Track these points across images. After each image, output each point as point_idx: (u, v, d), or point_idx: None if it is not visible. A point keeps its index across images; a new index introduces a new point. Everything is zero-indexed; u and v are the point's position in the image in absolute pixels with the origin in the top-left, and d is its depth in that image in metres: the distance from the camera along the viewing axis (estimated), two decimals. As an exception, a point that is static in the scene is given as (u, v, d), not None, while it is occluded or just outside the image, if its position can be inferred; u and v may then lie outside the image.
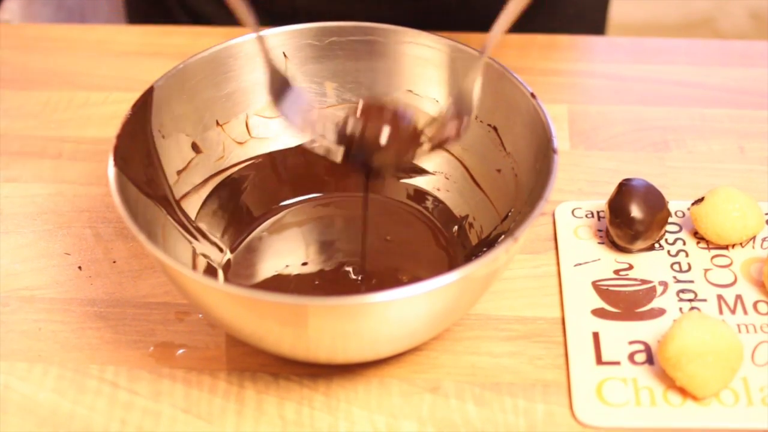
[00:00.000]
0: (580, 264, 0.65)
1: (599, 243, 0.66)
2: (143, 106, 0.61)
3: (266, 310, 0.52)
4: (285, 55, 0.66)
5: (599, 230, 0.67)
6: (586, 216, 0.68)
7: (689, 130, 0.76)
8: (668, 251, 0.66)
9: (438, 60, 0.65)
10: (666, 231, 0.66)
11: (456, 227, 0.67)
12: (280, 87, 0.60)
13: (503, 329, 0.62)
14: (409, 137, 0.59)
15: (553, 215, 0.69)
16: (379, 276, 0.64)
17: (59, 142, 0.75)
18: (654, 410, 0.57)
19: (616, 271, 0.65)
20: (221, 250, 0.65)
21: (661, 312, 0.62)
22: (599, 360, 0.59)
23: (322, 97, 0.68)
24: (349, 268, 0.64)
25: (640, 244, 0.64)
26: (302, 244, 0.67)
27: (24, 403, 0.58)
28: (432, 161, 0.68)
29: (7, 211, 0.70)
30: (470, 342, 0.61)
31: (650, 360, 0.59)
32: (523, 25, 0.84)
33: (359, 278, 0.63)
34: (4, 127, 0.77)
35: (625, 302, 0.63)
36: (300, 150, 0.69)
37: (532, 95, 0.60)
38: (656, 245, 0.66)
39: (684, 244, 0.66)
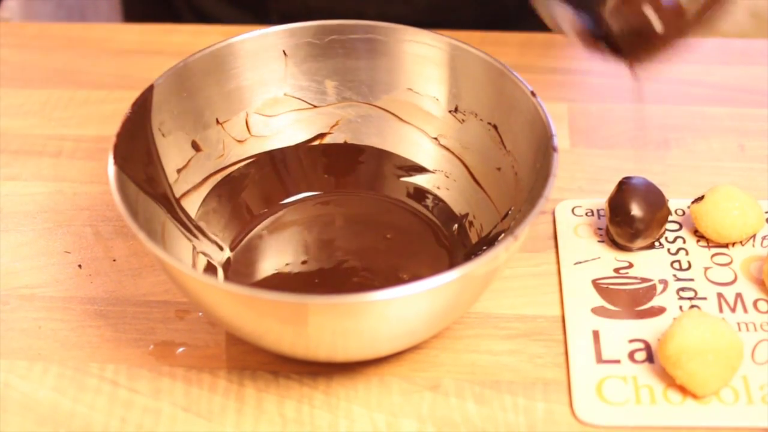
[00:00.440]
0: (580, 262, 0.65)
1: (599, 241, 0.66)
2: (143, 105, 0.61)
3: (266, 308, 0.52)
4: (285, 53, 0.66)
5: (599, 228, 0.67)
6: (586, 214, 0.68)
7: (689, 129, 0.76)
8: (668, 249, 0.66)
9: (438, 58, 0.65)
10: (666, 229, 0.66)
11: (456, 225, 0.67)
12: None
13: (503, 327, 0.62)
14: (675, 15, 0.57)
15: (553, 213, 0.69)
16: (380, 274, 0.64)
17: (59, 141, 0.75)
18: (654, 408, 0.57)
19: (616, 270, 0.65)
20: (221, 248, 0.65)
21: (661, 310, 0.62)
22: (599, 358, 0.59)
23: (322, 96, 0.68)
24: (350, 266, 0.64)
25: (640, 242, 0.64)
26: (302, 242, 0.67)
27: (24, 402, 0.58)
28: (432, 159, 0.68)
29: (7, 210, 0.70)
30: (470, 340, 0.61)
31: (650, 358, 0.59)
32: (523, 23, 0.84)
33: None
34: (4, 125, 0.77)
35: (625, 300, 0.63)
36: (299, 148, 0.69)
37: (533, 93, 0.60)
38: (656, 243, 0.66)
39: (684, 242, 0.66)
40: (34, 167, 0.73)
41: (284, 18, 0.67)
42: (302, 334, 0.54)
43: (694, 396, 0.57)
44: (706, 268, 0.64)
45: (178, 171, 0.64)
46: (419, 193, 0.68)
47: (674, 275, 0.64)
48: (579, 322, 0.61)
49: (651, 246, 0.66)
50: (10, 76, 0.82)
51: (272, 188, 0.69)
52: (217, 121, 0.66)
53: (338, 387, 0.59)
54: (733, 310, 0.62)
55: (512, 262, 0.64)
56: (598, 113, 0.77)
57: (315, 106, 0.69)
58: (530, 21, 0.68)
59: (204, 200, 0.66)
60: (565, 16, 0.56)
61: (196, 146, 0.65)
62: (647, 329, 0.61)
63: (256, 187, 0.68)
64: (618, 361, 0.59)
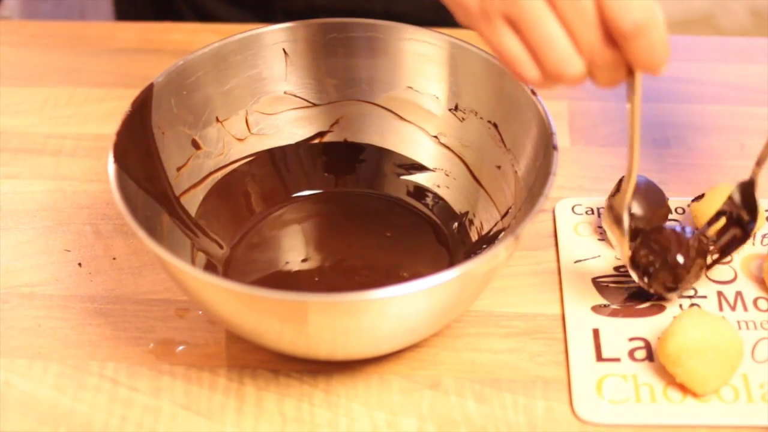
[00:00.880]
0: (580, 260, 0.65)
1: (599, 240, 0.66)
2: (143, 103, 0.61)
3: (266, 306, 0.52)
4: (285, 52, 0.66)
5: (599, 227, 0.67)
6: (586, 213, 0.68)
7: (689, 127, 0.76)
8: (668, 248, 0.66)
9: (438, 56, 0.65)
10: (666, 228, 0.66)
11: (456, 224, 0.66)
12: None
13: (503, 326, 0.62)
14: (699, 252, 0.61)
15: (553, 212, 0.69)
16: (380, 272, 0.64)
17: (59, 139, 0.75)
18: (654, 407, 0.57)
19: (616, 268, 0.65)
20: (221, 246, 0.65)
21: (661, 309, 0.62)
22: (599, 357, 0.59)
23: (322, 94, 0.68)
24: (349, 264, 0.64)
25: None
26: (302, 240, 0.67)
27: (24, 400, 0.58)
28: (432, 158, 0.68)
29: (7, 208, 0.70)
30: (470, 338, 0.61)
31: (650, 357, 0.59)
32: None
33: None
34: (4, 123, 0.77)
35: (625, 299, 0.63)
36: (299, 147, 0.69)
37: (533, 92, 0.60)
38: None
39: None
40: (34, 165, 0.73)
41: (289, 18, 0.67)
42: (302, 333, 0.54)
43: (694, 394, 0.57)
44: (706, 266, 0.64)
45: (178, 169, 0.64)
46: (419, 192, 0.68)
47: (674, 273, 0.64)
48: (579, 320, 0.61)
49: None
50: (10, 74, 0.82)
51: (272, 186, 0.69)
52: (217, 120, 0.66)
53: (338, 385, 0.59)
54: (733, 308, 0.62)
55: (512, 261, 0.64)
56: (598, 111, 0.77)
57: (315, 105, 0.69)
58: None
59: (204, 198, 0.66)
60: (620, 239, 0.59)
61: (196, 144, 0.65)
62: (647, 327, 0.61)
63: (256, 186, 0.68)
64: (618, 360, 0.59)
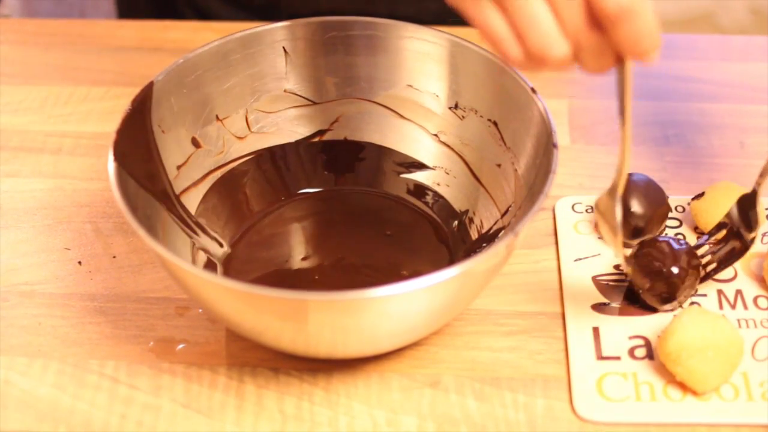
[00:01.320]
0: (580, 259, 0.65)
1: (599, 238, 0.66)
2: (143, 101, 0.61)
3: (266, 304, 0.52)
4: (285, 50, 0.66)
5: (599, 225, 0.67)
6: (586, 211, 0.68)
7: (689, 125, 0.76)
8: (668, 246, 0.66)
9: (438, 55, 0.65)
10: (666, 226, 0.66)
11: (456, 222, 0.66)
12: None
13: (503, 324, 0.62)
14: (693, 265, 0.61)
15: (553, 210, 0.69)
16: (380, 271, 0.64)
17: (59, 137, 0.75)
18: (654, 405, 0.57)
19: (616, 266, 0.65)
20: (221, 244, 0.65)
21: (661, 307, 0.62)
22: (599, 355, 0.59)
23: (322, 92, 0.68)
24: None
25: (640, 239, 0.64)
26: (302, 238, 0.67)
27: (24, 398, 0.58)
28: (432, 156, 0.68)
29: (7, 206, 0.70)
30: (470, 337, 0.61)
31: (650, 355, 0.59)
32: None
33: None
34: (4, 122, 0.77)
35: (625, 297, 0.63)
36: (299, 145, 0.69)
37: (533, 90, 0.60)
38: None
39: (684, 239, 0.66)
40: (33, 164, 0.73)
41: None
42: (302, 331, 0.54)
43: (694, 393, 0.57)
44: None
45: (178, 167, 0.64)
46: (419, 190, 0.68)
47: (674, 272, 0.64)
48: (579, 318, 0.61)
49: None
50: (10, 72, 0.82)
51: (272, 185, 0.68)
52: (217, 118, 0.66)
53: (338, 384, 0.59)
54: (733, 306, 0.62)
55: (512, 259, 0.64)
56: (598, 110, 0.77)
57: (315, 103, 0.69)
58: None
59: (204, 197, 0.66)
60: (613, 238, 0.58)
61: (196, 143, 0.65)
62: (647, 326, 0.61)
63: (256, 184, 0.68)
64: (618, 358, 0.59)
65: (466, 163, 0.67)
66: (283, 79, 0.67)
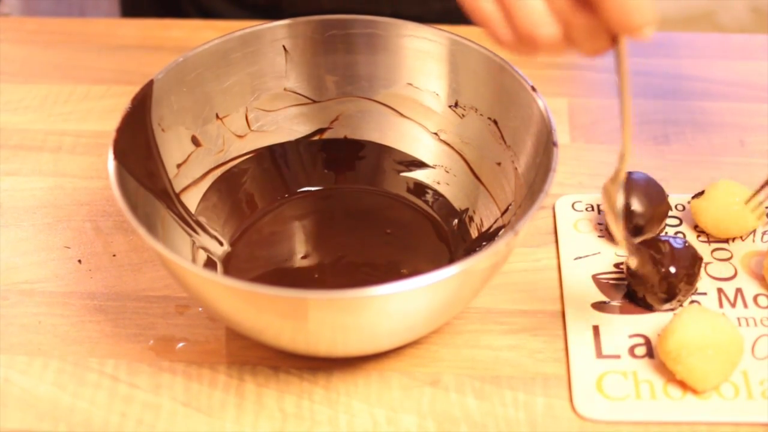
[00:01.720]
0: (580, 257, 0.65)
1: (599, 236, 0.66)
2: (143, 100, 0.61)
3: (266, 303, 0.52)
4: (285, 48, 0.66)
5: (599, 224, 0.67)
6: (586, 209, 0.68)
7: (689, 124, 0.76)
8: (668, 245, 0.66)
9: (438, 53, 0.65)
10: (666, 224, 0.66)
11: (456, 220, 0.66)
12: None
13: (503, 322, 0.62)
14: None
15: (553, 209, 0.69)
16: (380, 269, 0.64)
17: (59, 136, 0.75)
18: (654, 404, 0.57)
19: (616, 265, 0.65)
20: (221, 243, 0.65)
21: (661, 305, 0.62)
22: (599, 353, 0.59)
23: (322, 91, 0.68)
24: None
25: (640, 237, 0.64)
26: (302, 237, 0.67)
27: (24, 397, 0.58)
28: (432, 154, 0.68)
29: (7, 205, 0.70)
30: (470, 335, 0.61)
31: (650, 353, 0.59)
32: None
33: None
34: (4, 120, 0.77)
35: (625, 295, 0.63)
36: (299, 143, 0.69)
37: (533, 88, 0.60)
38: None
39: (684, 237, 0.66)
40: (33, 162, 0.73)
41: None
42: (302, 330, 0.54)
43: (694, 391, 0.57)
44: (707, 263, 0.64)
45: (178, 166, 0.64)
46: (419, 188, 0.68)
47: (674, 270, 0.64)
48: (579, 317, 0.61)
49: (651, 241, 0.66)
50: (10, 71, 0.82)
51: (272, 183, 0.68)
52: (217, 116, 0.66)
53: (338, 382, 0.59)
54: (733, 305, 0.62)
55: (512, 257, 0.64)
56: (598, 108, 0.77)
57: (315, 101, 0.69)
58: None
59: (204, 195, 0.66)
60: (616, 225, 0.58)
61: (196, 141, 0.65)
62: (647, 324, 0.61)
63: (255, 182, 0.68)
64: (618, 356, 0.59)
65: (466, 162, 0.67)
66: (283, 77, 0.67)
